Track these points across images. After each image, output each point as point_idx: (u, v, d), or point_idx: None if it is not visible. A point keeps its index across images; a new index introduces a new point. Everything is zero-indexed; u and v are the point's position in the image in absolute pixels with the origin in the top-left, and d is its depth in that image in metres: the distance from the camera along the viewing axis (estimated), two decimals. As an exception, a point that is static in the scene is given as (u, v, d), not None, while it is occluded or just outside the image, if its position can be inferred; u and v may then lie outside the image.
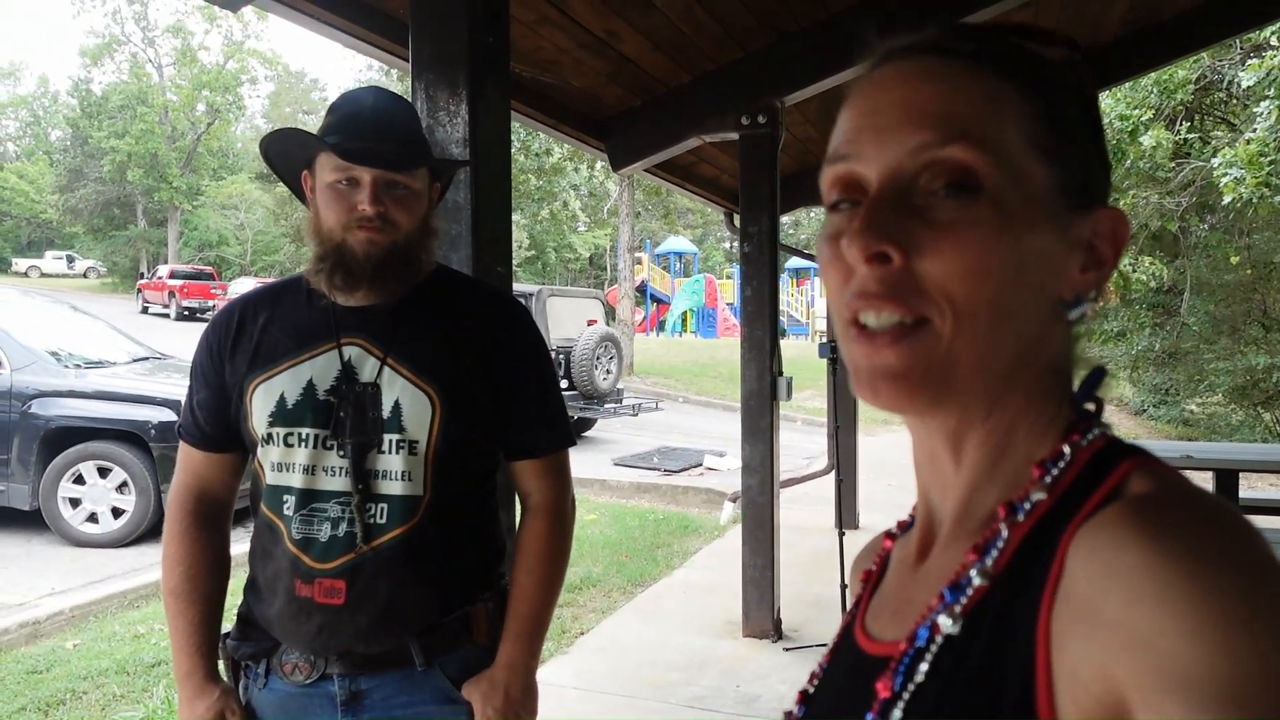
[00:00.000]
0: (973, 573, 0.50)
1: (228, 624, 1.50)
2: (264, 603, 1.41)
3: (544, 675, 3.77)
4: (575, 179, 22.36)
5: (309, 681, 1.38)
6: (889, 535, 0.67)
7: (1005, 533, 0.50)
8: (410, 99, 1.89)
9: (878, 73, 0.52)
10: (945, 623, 0.50)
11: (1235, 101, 9.18)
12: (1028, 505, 0.50)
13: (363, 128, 1.35)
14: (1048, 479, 0.50)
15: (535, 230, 31.56)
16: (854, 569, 0.72)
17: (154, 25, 43.06)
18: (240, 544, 1.53)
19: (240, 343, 1.44)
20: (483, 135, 1.87)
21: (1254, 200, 7.38)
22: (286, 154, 1.42)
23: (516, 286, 11.51)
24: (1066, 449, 0.51)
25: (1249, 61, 8.01)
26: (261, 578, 1.43)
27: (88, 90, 40.50)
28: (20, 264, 41.62)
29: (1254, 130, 7.56)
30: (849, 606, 0.65)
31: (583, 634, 4.43)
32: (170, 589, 1.45)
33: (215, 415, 1.46)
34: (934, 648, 0.50)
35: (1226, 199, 7.60)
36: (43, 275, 40.16)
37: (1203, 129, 9.59)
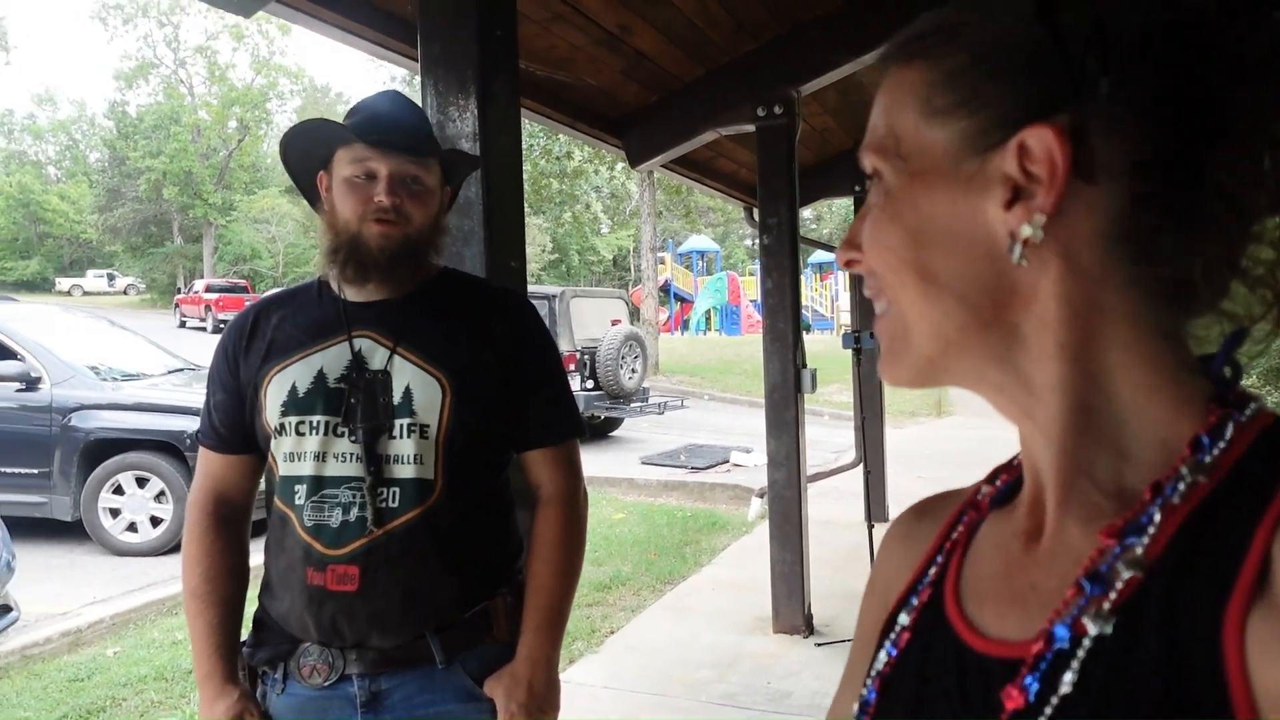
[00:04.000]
0: (1117, 561, 0.44)
1: (247, 631, 1.50)
2: (277, 599, 1.42)
3: (575, 675, 3.82)
4: (596, 181, 22.41)
5: (328, 683, 1.37)
6: (974, 503, 0.59)
7: (1157, 516, 0.44)
8: (420, 97, 1.91)
9: None
10: (1093, 622, 0.43)
11: None
12: (1181, 486, 0.44)
13: (380, 123, 1.40)
14: (1205, 458, 0.44)
15: (558, 233, 31.68)
16: (899, 532, 0.64)
17: (184, 46, 43.82)
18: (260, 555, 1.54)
19: (255, 343, 1.47)
20: (493, 130, 1.88)
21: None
22: (306, 152, 1.46)
23: (540, 289, 11.58)
24: (1229, 426, 0.45)
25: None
26: (274, 573, 1.44)
27: (123, 112, 41.44)
28: (63, 283, 42.64)
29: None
30: (928, 576, 0.57)
31: (613, 633, 4.43)
32: (190, 591, 1.47)
33: (231, 417, 1.48)
34: (1081, 652, 0.43)
35: None
36: (85, 294, 41.14)
37: None
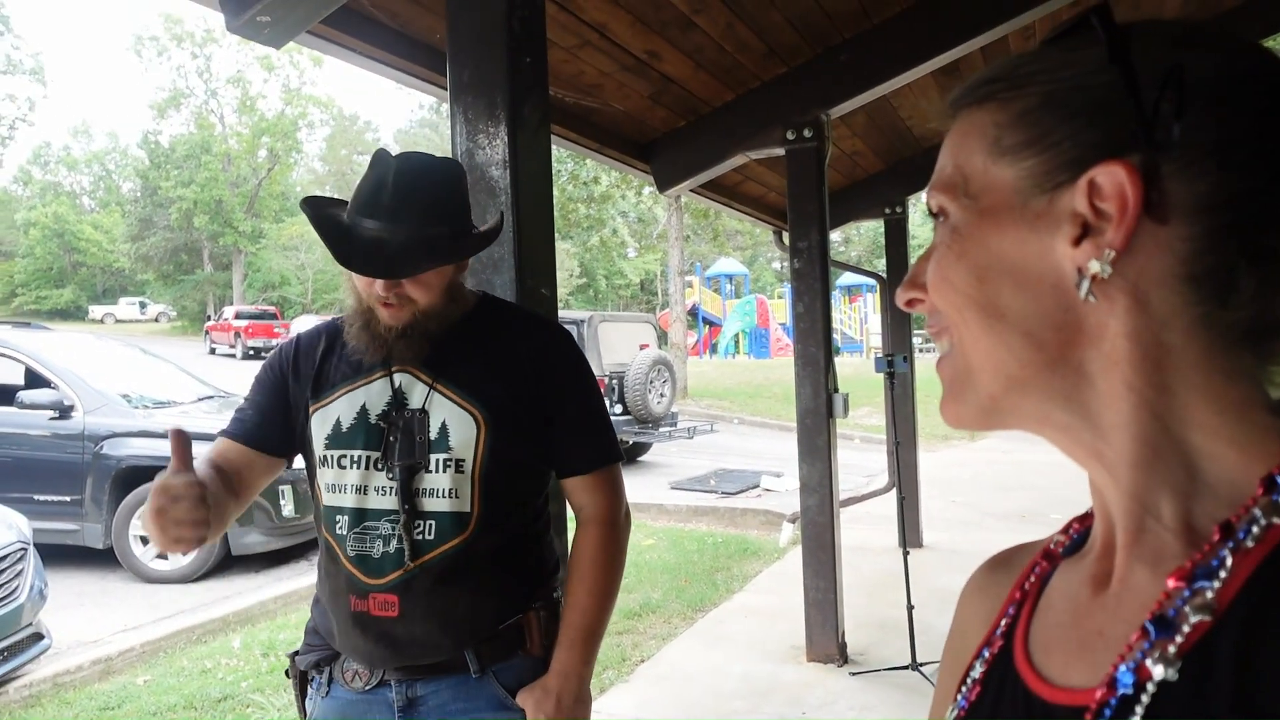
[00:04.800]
0: (1185, 605, 0.43)
1: (296, 644, 1.57)
2: (327, 618, 1.49)
3: (605, 705, 3.76)
4: (624, 205, 22.52)
5: (368, 688, 1.44)
6: (1047, 553, 0.59)
7: (1229, 560, 0.43)
8: (449, 123, 1.90)
9: None
10: (1157, 667, 0.43)
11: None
12: (1255, 529, 0.43)
13: (379, 209, 1.35)
14: (1279, 499, 0.43)
15: (585, 258, 31.84)
16: (976, 585, 0.64)
17: (216, 77, 44.79)
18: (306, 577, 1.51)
19: (303, 366, 1.52)
20: (523, 156, 1.87)
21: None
22: (321, 219, 1.45)
23: (568, 314, 11.60)
24: None
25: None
26: (325, 594, 1.50)
27: (156, 143, 42.41)
28: (96, 311, 43.50)
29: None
30: (999, 628, 0.57)
31: (643, 662, 4.36)
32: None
33: (258, 410, 1.52)
34: (1145, 697, 0.43)
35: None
36: (117, 321, 41.91)
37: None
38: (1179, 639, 0.43)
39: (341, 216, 1.42)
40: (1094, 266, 0.46)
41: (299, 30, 2.21)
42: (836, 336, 25.46)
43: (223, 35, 41.55)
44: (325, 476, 1.45)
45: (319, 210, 1.45)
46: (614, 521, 1.53)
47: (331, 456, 1.44)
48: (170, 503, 1.24)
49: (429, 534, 1.40)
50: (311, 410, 1.48)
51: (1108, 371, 0.47)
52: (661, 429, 11.12)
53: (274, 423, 1.52)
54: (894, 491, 5.06)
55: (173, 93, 43.56)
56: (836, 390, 4.19)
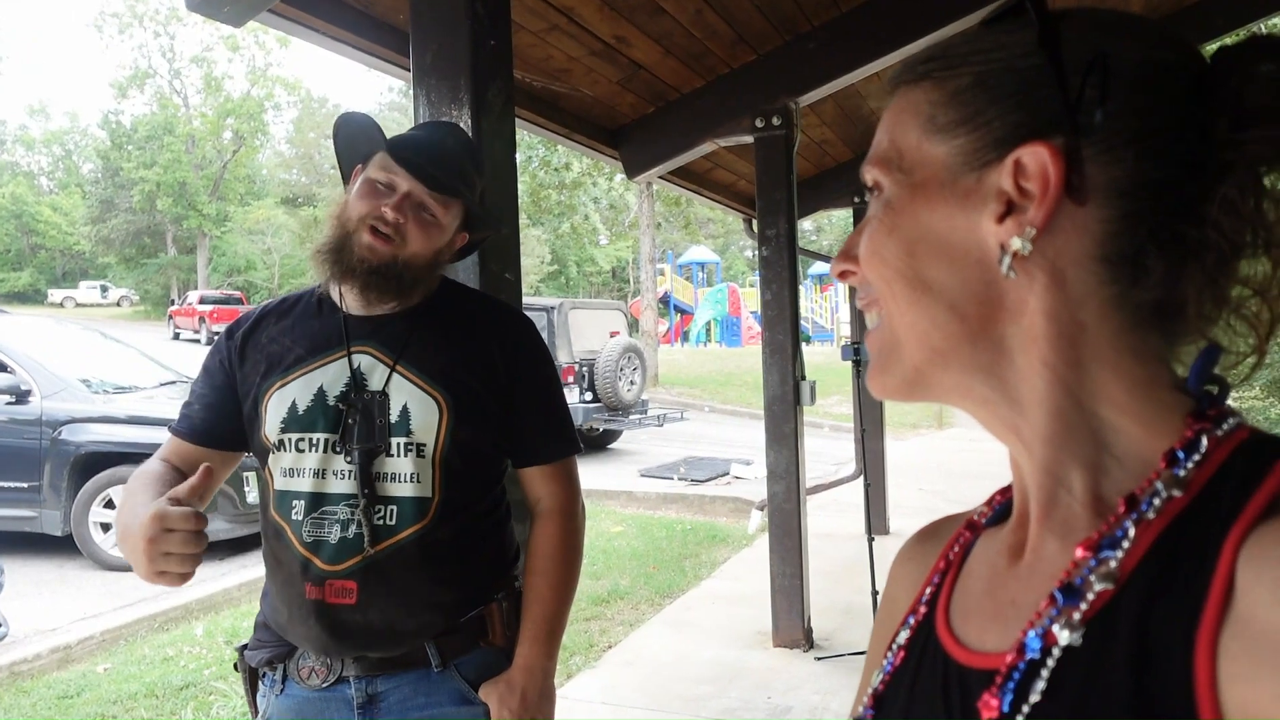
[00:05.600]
0: (1090, 574, 0.45)
1: (245, 637, 1.51)
2: (277, 609, 1.43)
3: (572, 690, 3.77)
4: (595, 192, 22.42)
5: (325, 685, 1.40)
6: (970, 523, 0.61)
7: (1131, 531, 0.45)
8: (412, 107, 1.88)
9: None
10: (1062, 633, 0.45)
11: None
12: (1156, 501, 0.45)
13: (418, 145, 1.43)
14: (1179, 472, 0.45)
15: (557, 244, 31.70)
16: (906, 555, 0.66)
17: (180, 56, 43.85)
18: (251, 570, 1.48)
19: (252, 351, 1.47)
20: (487, 140, 1.85)
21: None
22: (352, 143, 1.48)
23: (538, 300, 11.55)
24: (1204, 440, 0.45)
25: None
26: (274, 584, 1.45)
27: (117, 123, 41.44)
28: (56, 295, 42.56)
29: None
30: (925, 596, 0.59)
31: (611, 647, 4.38)
32: (129, 490, 1.38)
33: (206, 406, 1.48)
34: (1050, 661, 0.45)
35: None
36: (77, 305, 41.03)
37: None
38: (1083, 606, 0.45)
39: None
40: (1015, 243, 0.48)
41: (260, 9, 2.17)
42: (807, 325, 25.63)
43: (187, 13, 40.72)
44: (282, 461, 1.41)
45: (358, 120, 1.47)
46: (573, 514, 1.52)
47: (289, 440, 1.40)
48: (163, 534, 1.15)
49: (390, 519, 1.37)
50: (265, 393, 1.43)
51: (1026, 347, 0.49)
52: (631, 416, 11.14)
53: (225, 416, 1.47)
54: (861, 479, 5.11)
55: (135, 71, 42.58)
56: (804, 378, 4.22)
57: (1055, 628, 0.45)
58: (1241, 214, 0.46)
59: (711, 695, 3.73)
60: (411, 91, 1.89)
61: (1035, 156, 0.47)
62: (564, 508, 1.51)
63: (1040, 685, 0.44)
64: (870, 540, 4.31)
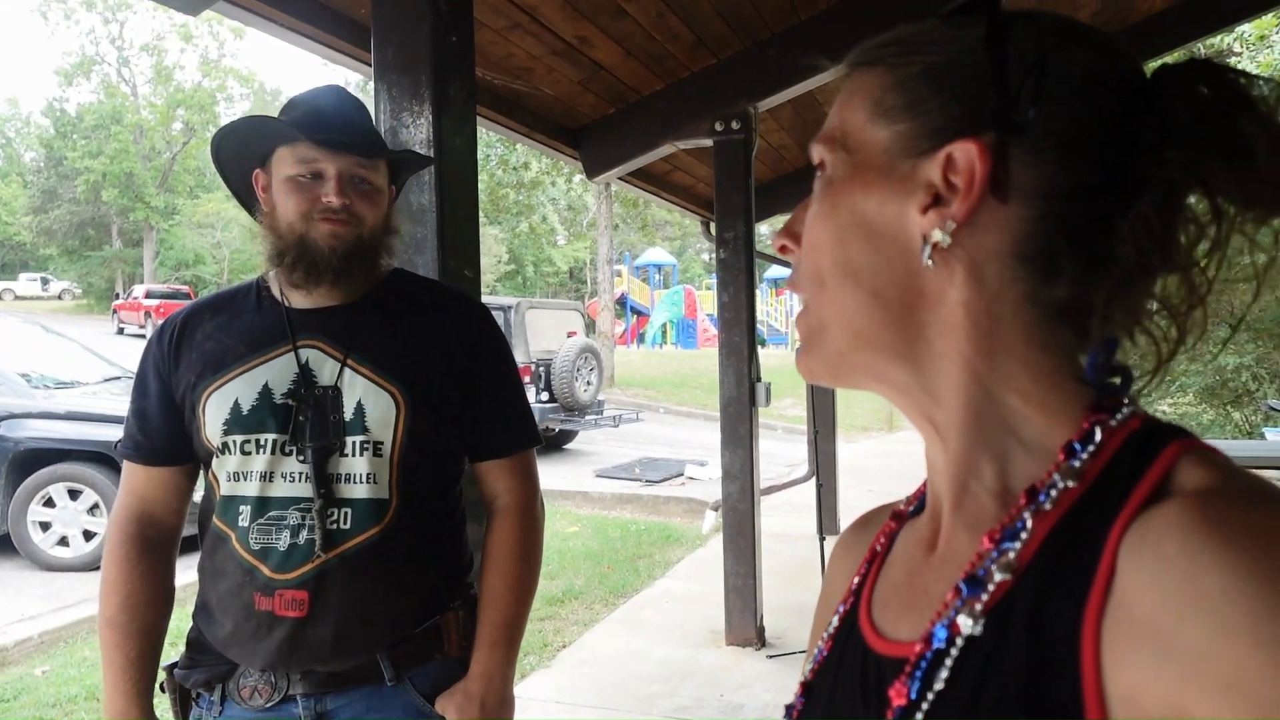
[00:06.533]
0: (992, 565, 0.46)
1: (175, 654, 1.42)
2: (217, 623, 1.34)
3: (525, 690, 3.76)
4: (553, 193, 22.36)
5: (270, 705, 1.30)
6: (895, 513, 0.62)
7: (1029, 522, 0.46)
8: (374, 102, 1.87)
9: None
10: (965, 622, 0.46)
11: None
12: (1053, 492, 0.46)
13: (327, 122, 1.33)
14: (1075, 463, 0.46)
15: (514, 244, 31.53)
16: (843, 544, 0.67)
17: (129, 44, 42.70)
18: (185, 574, 1.45)
19: (186, 351, 1.38)
20: (447, 136, 1.85)
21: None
22: (243, 149, 1.38)
23: (495, 299, 11.49)
24: (1097, 430, 0.47)
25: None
26: (214, 596, 1.36)
27: (61, 111, 40.19)
28: (-7, 286, 41.12)
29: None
30: (853, 585, 0.60)
31: (564, 647, 4.38)
32: (106, 619, 1.36)
33: (157, 425, 1.39)
34: (954, 651, 0.46)
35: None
36: (17, 298, 39.67)
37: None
38: (985, 596, 0.46)
39: (282, 120, 1.35)
40: (936, 235, 0.49)
41: (216, -2, 2.14)
42: (762, 328, 25.81)
43: (137, 1, 39.75)
44: (226, 464, 1.32)
45: (249, 124, 1.36)
46: (533, 510, 1.46)
47: (233, 443, 1.31)
48: None
49: (344, 523, 1.29)
50: (203, 394, 1.34)
51: (943, 336, 0.50)
52: (587, 417, 11.13)
53: (177, 428, 1.38)
54: (813, 480, 5.17)
55: (82, 58, 41.34)
56: (759, 380, 4.27)
57: (960, 618, 0.46)
58: (1152, 232, 0.47)
59: (664, 694, 3.76)
60: (372, 87, 1.88)
61: (965, 152, 0.48)
62: (523, 504, 1.45)
63: (944, 674, 0.45)
64: (822, 540, 4.38)
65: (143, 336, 24.19)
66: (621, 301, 26.48)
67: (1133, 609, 0.40)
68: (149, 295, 26.42)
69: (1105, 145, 0.48)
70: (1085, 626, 0.41)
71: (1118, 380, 0.50)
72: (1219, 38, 7.39)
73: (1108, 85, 0.49)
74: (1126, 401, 0.49)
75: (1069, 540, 0.44)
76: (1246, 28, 7.92)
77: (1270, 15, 7.59)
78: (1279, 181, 0.46)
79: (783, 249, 0.57)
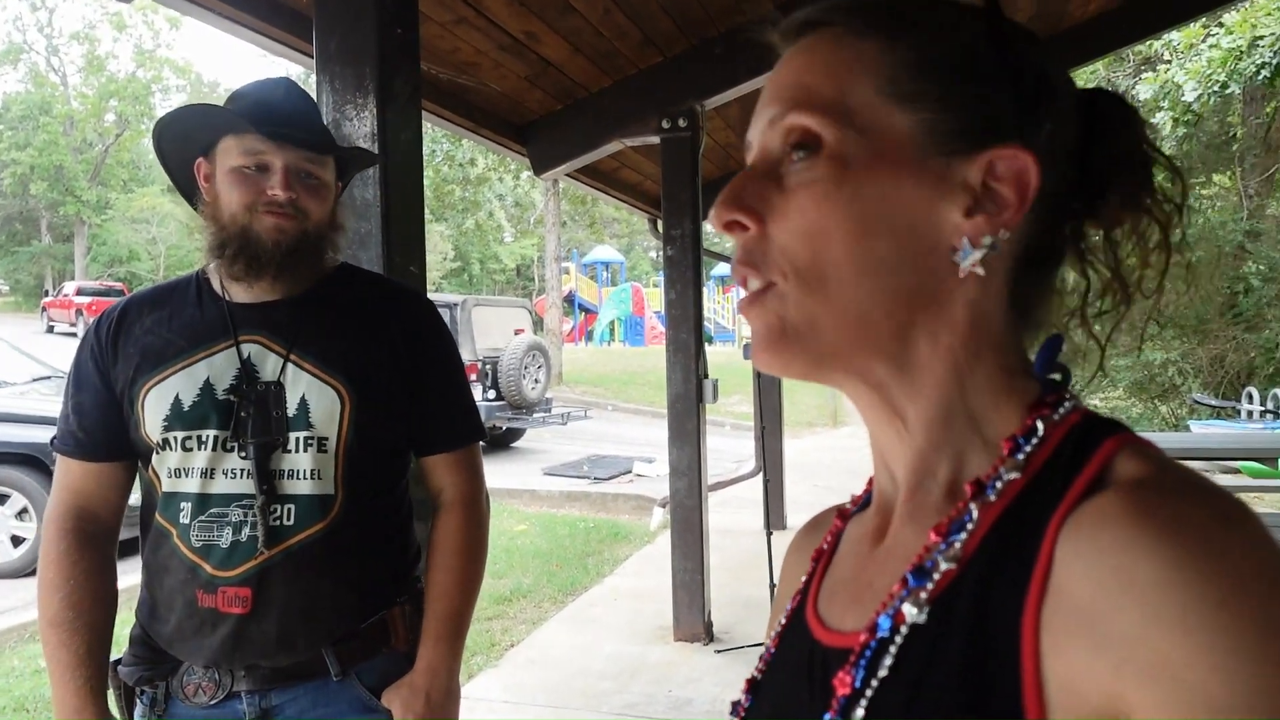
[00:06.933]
0: (938, 556, 0.47)
1: (116, 651, 1.39)
2: (160, 620, 1.33)
3: (473, 689, 3.74)
4: (500, 189, 22.19)
5: (214, 702, 1.29)
6: (840, 512, 0.63)
7: (975, 513, 0.47)
8: (315, 96, 1.84)
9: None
10: (910, 611, 0.46)
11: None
12: (999, 484, 0.47)
13: (276, 115, 1.31)
14: (1020, 456, 0.47)
15: (460, 241, 31.21)
16: (795, 545, 0.67)
17: (59, 32, 41.21)
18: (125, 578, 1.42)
19: (124, 345, 1.35)
20: (392, 131, 1.82)
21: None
22: (185, 138, 1.35)
23: (441, 296, 11.38)
24: (1040, 424, 0.48)
25: (1144, 74, 8.40)
26: (157, 593, 1.34)
27: (-14, 100, 38.63)
28: (-87, 283, 39.35)
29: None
30: (801, 585, 0.60)
31: (513, 646, 4.36)
32: (49, 620, 1.32)
33: (95, 420, 1.36)
34: (899, 639, 0.46)
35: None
36: (-62, 295, 38.06)
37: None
38: (930, 586, 0.47)
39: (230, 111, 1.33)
40: (986, 241, 0.48)
41: (150, -15, 2.08)
42: (710, 325, 25.96)
43: (66, -13, 38.33)
44: (167, 461, 1.30)
45: (194, 112, 1.33)
46: (478, 504, 1.46)
47: (175, 439, 1.29)
48: None
49: (287, 519, 1.28)
50: (141, 389, 1.31)
51: (938, 333, 0.50)
52: (535, 415, 11.08)
53: (114, 422, 1.35)
54: (760, 476, 5.23)
55: (8, 46, 39.81)
56: (707, 376, 4.30)
57: (905, 606, 0.47)
58: (1102, 251, 0.52)
59: (613, 691, 3.76)
60: (314, 79, 1.85)
61: (1014, 161, 0.48)
62: (468, 498, 1.45)
63: (888, 662, 0.46)
64: (769, 535, 4.42)
65: (74, 335, 23.37)
66: (569, 299, 26.41)
67: (1070, 597, 0.40)
68: (80, 292, 25.51)
69: (1076, 156, 0.51)
70: (1026, 615, 0.41)
71: (1058, 376, 0.52)
72: (1148, 44, 7.64)
73: (1071, 100, 0.52)
74: (1068, 396, 0.50)
75: (1012, 531, 0.45)
76: (1175, 35, 8.21)
77: (1197, 24, 7.88)
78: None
79: (730, 225, 0.51)
